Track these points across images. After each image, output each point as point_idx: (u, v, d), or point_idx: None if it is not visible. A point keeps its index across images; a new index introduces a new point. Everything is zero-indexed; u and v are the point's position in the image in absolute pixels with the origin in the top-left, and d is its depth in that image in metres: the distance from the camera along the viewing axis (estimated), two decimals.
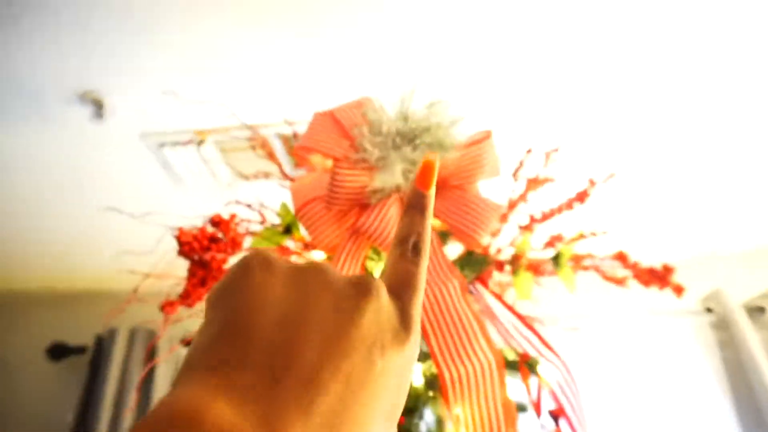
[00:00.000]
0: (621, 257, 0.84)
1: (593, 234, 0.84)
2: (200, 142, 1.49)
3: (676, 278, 0.81)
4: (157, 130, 1.47)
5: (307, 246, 0.93)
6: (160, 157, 1.53)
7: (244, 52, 1.26)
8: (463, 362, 0.69)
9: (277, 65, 1.29)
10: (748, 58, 1.38)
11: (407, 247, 0.25)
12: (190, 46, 1.24)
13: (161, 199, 1.65)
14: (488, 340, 0.72)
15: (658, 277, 0.81)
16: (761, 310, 1.96)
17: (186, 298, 0.74)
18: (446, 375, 0.67)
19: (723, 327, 1.96)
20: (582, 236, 0.85)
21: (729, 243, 2.11)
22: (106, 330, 2.17)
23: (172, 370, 2.09)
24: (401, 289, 0.24)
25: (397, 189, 0.84)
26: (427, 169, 0.28)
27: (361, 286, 0.22)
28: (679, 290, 0.80)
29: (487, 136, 0.90)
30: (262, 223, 0.98)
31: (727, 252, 2.11)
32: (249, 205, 0.99)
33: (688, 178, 1.77)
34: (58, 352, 2.21)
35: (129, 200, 1.55)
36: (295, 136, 1.01)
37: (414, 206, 0.27)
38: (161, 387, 1.97)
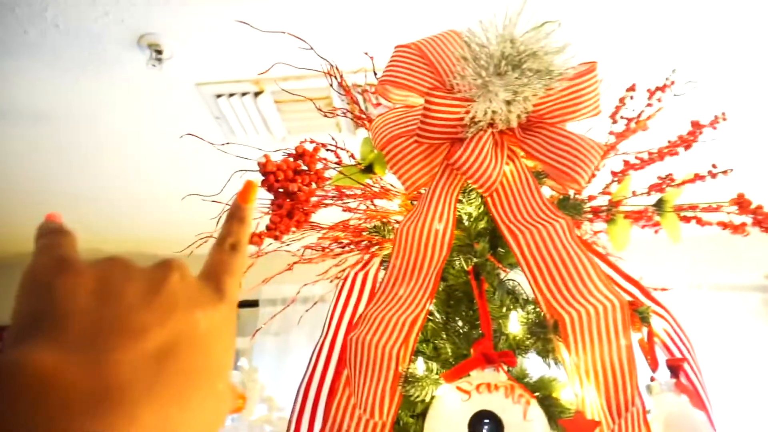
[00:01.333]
0: (741, 202, 0.76)
1: (711, 174, 0.76)
2: (258, 93, 1.43)
3: None
4: (214, 79, 1.42)
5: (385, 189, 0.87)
6: (213, 108, 1.48)
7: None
8: (580, 303, 0.62)
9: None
10: None
11: (225, 246, 0.30)
12: None
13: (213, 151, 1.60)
14: (606, 281, 0.65)
15: None
16: None
17: (273, 229, 0.68)
18: (565, 317, 0.61)
19: None
20: (697, 177, 0.77)
21: None
22: None
23: None
24: (215, 272, 0.29)
25: (492, 123, 0.78)
26: (248, 187, 0.34)
27: (163, 263, 0.26)
28: None
29: (592, 68, 0.82)
30: (339, 163, 0.93)
31: None
32: (324, 145, 0.94)
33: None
34: None
35: (180, 153, 1.49)
36: (374, 73, 0.94)
37: (233, 215, 0.33)
38: None
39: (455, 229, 0.83)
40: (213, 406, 0.24)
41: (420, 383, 0.60)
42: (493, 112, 0.76)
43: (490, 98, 0.73)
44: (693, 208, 0.81)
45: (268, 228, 0.70)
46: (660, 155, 0.89)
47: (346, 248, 0.84)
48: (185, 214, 0.90)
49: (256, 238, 0.69)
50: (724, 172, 0.77)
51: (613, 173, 0.92)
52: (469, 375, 0.58)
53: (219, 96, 1.44)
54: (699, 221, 0.86)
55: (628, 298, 0.80)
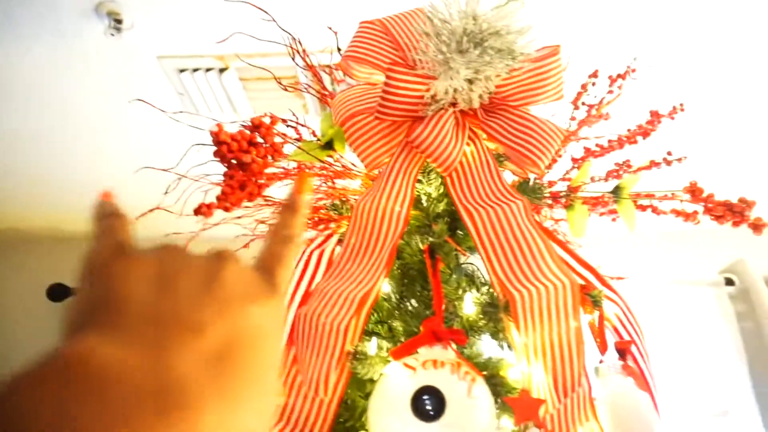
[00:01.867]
0: (693, 190, 0.77)
1: (666, 162, 0.76)
2: (223, 69, 1.39)
3: (755, 212, 0.74)
4: (177, 53, 1.37)
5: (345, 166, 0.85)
6: (177, 83, 1.43)
7: None
8: (531, 282, 0.62)
9: None
10: None
11: (278, 237, 0.31)
12: None
13: (175, 126, 1.55)
14: (559, 262, 0.65)
15: (735, 211, 0.75)
16: None
17: (223, 200, 0.66)
18: (516, 296, 0.61)
19: (743, 299, 1.92)
20: (653, 164, 0.78)
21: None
22: None
23: None
24: (270, 263, 0.29)
25: (454, 102, 0.77)
26: (302, 179, 0.34)
27: (218, 254, 0.26)
28: (758, 227, 0.74)
29: (555, 51, 0.81)
30: (299, 140, 0.91)
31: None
32: (284, 120, 0.92)
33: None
34: (58, 293, 2.14)
35: (141, 128, 1.45)
36: (338, 50, 0.92)
37: (288, 206, 0.33)
38: None
39: (413, 209, 0.82)
40: (267, 402, 0.24)
41: (369, 361, 0.59)
42: (455, 90, 0.75)
43: (452, 76, 0.72)
44: (649, 196, 0.82)
45: (218, 199, 0.67)
46: (620, 143, 0.90)
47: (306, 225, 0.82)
48: (140, 188, 0.86)
49: (205, 209, 0.67)
50: (679, 159, 0.78)
51: (574, 159, 0.93)
52: (417, 352, 0.57)
53: (182, 71, 1.39)
54: (654, 209, 0.87)
55: (582, 282, 0.81)
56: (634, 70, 0.86)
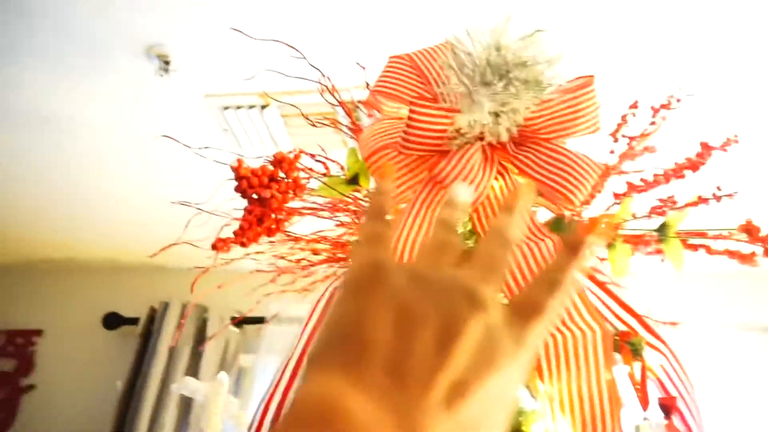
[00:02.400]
0: (750, 229, 0.70)
1: (716, 197, 0.70)
2: (264, 106, 1.43)
3: None
4: (221, 91, 1.42)
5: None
6: (221, 120, 1.48)
7: (312, 12, 1.19)
8: (558, 328, 0.57)
9: (349, 20, 1.21)
10: None
11: (548, 280, 0.26)
12: (259, 7, 1.19)
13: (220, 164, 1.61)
14: (590, 307, 0.60)
15: None
16: None
17: (240, 235, 0.66)
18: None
19: None
20: (701, 200, 0.71)
21: None
22: (160, 303, 2.17)
23: (221, 347, 2.06)
24: (526, 311, 0.25)
25: (481, 136, 0.74)
26: (595, 222, 0.29)
27: (475, 300, 0.23)
28: None
29: (589, 82, 0.78)
30: (326, 175, 0.90)
31: None
32: (312, 155, 0.92)
33: None
34: (113, 321, 2.22)
35: (189, 166, 1.50)
36: (367, 85, 0.92)
37: (570, 247, 0.28)
38: (209, 361, 1.94)
39: None
40: None
41: None
42: (481, 124, 0.72)
43: (476, 109, 0.70)
44: (700, 235, 0.75)
45: (234, 234, 0.67)
46: (666, 177, 0.84)
47: (327, 262, 0.81)
48: (177, 222, 0.88)
49: (221, 244, 0.67)
50: (729, 195, 0.71)
51: (615, 195, 0.87)
52: None
53: (226, 108, 1.44)
54: (708, 249, 0.79)
55: (623, 328, 0.74)
56: (678, 100, 0.80)
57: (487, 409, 0.21)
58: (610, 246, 0.82)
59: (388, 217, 0.29)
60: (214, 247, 0.66)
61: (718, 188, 0.71)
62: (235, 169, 0.68)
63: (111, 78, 1.36)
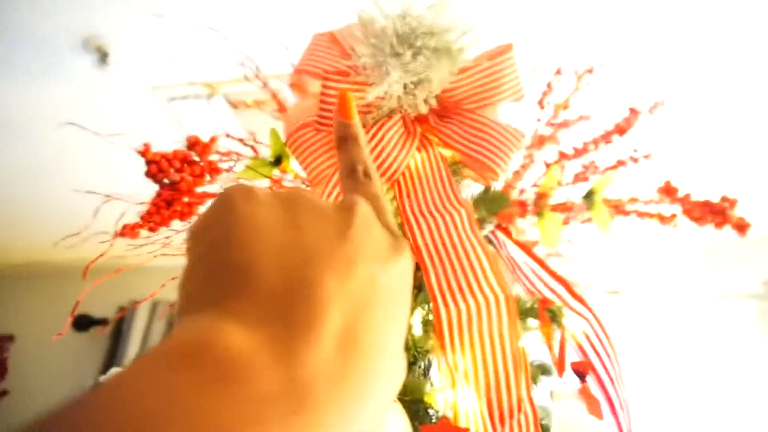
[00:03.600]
0: (668, 190, 0.69)
1: (633, 159, 0.69)
2: (210, 96, 1.41)
3: (738, 212, 0.65)
4: (166, 83, 1.40)
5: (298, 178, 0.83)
6: (170, 112, 1.46)
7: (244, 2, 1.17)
8: (465, 298, 0.56)
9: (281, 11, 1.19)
10: None
11: (358, 175, 0.26)
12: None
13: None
14: (498, 275, 0.59)
15: (716, 211, 0.66)
16: None
17: (147, 220, 0.64)
18: (442, 312, 0.55)
19: None
20: (619, 163, 0.70)
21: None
22: (129, 302, 2.15)
23: None
24: (377, 211, 0.24)
25: (399, 107, 0.73)
26: (343, 100, 0.28)
27: (347, 206, 0.22)
28: (741, 227, 0.65)
29: (506, 49, 0.76)
30: (255, 158, 0.89)
31: None
32: (241, 139, 0.90)
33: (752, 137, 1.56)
34: (83, 323, 2.20)
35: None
36: (292, 66, 0.90)
37: (344, 138, 0.27)
38: None
39: None
40: (391, 381, 0.21)
41: None
42: (396, 95, 0.71)
43: (387, 80, 0.69)
44: (618, 200, 0.74)
45: (141, 218, 0.66)
46: (595, 143, 0.83)
47: None
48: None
49: (128, 230, 0.65)
50: (646, 156, 0.70)
51: (546, 164, 0.86)
52: None
53: (173, 99, 1.42)
54: (638, 213, 0.79)
55: (550, 295, 0.74)
56: (601, 65, 0.79)
57: (373, 310, 0.20)
58: (539, 215, 0.81)
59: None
60: (121, 233, 0.64)
61: (635, 150, 0.70)
62: (143, 154, 0.67)
63: (59, 75, 1.34)
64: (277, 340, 0.17)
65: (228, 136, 0.90)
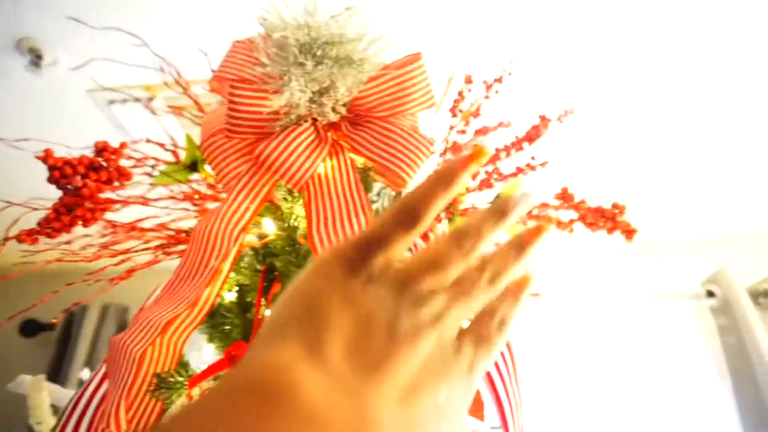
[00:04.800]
0: (564, 196, 0.72)
1: (530, 167, 0.72)
2: (150, 99, 1.40)
3: (627, 217, 0.68)
4: (104, 85, 1.38)
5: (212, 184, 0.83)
6: (109, 115, 1.45)
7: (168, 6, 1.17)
8: None
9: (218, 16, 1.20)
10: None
11: (498, 314, 0.27)
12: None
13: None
14: None
15: (607, 216, 0.69)
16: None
17: (45, 225, 0.64)
18: None
19: (725, 311, 1.81)
20: (519, 170, 0.73)
21: (733, 224, 1.95)
22: (78, 306, 2.11)
23: None
24: (479, 343, 0.26)
25: (310, 115, 0.74)
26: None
27: (438, 317, 0.24)
28: (629, 232, 0.68)
29: (415, 58, 0.78)
30: (175, 163, 0.89)
31: (730, 234, 1.95)
32: (161, 144, 0.90)
33: (689, 146, 1.62)
34: (30, 328, 2.16)
35: None
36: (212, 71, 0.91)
37: (519, 285, 0.28)
38: None
39: (282, 230, 0.79)
40: None
41: (174, 389, 0.56)
42: (303, 104, 0.72)
43: (290, 90, 0.70)
44: (541, 206, 0.77)
45: (39, 224, 0.66)
46: (506, 150, 0.86)
47: (159, 250, 0.80)
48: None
49: (25, 236, 0.65)
50: (543, 164, 0.73)
51: None
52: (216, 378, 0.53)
53: (112, 102, 1.41)
54: (547, 219, 0.82)
55: None
56: (510, 74, 0.82)
57: (435, 415, 0.22)
58: (450, 220, 0.84)
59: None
60: (19, 239, 0.64)
61: (533, 158, 0.73)
62: (44, 159, 0.67)
63: None
64: (352, 397, 0.19)
65: (148, 141, 0.90)
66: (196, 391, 0.52)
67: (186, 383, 0.56)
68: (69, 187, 0.68)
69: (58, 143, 0.96)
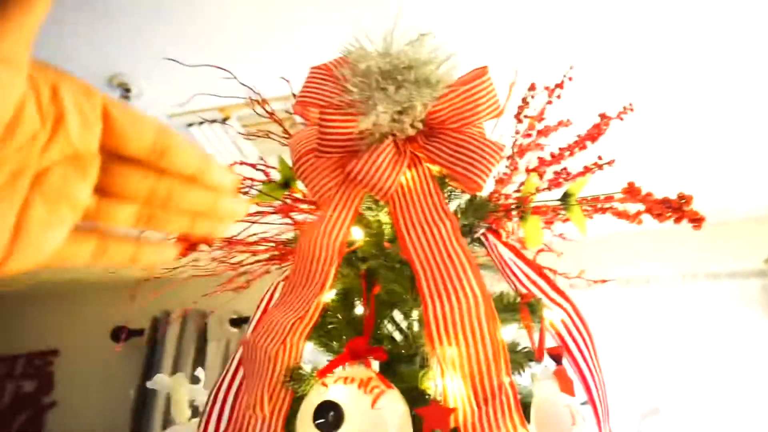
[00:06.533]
0: (631, 190, 0.78)
1: (597, 166, 0.78)
2: (224, 120, 1.52)
3: (693, 207, 0.73)
4: (183, 110, 1.51)
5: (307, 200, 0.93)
6: (188, 137, 1.58)
7: (248, 29, 1.28)
8: (449, 299, 0.66)
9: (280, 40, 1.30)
10: None
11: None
12: (210, 34, 1.28)
13: None
14: (477, 277, 0.69)
15: (673, 207, 0.75)
16: None
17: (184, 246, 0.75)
18: (430, 310, 0.65)
19: None
20: (587, 169, 0.79)
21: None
22: (161, 312, 2.29)
23: (222, 347, 2.18)
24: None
25: (390, 132, 0.82)
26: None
27: None
28: (697, 220, 0.73)
29: (482, 73, 0.85)
30: (266, 182, 1.00)
31: None
32: (253, 165, 1.01)
33: (742, 124, 1.62)
34: (120, 334, 2.35)
35: None
36: (293, 96, 1.00)
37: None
38: (212, 362, 2.06)
39: (368, 236, 0.88)
40: None
41: (305, 380, 0.66)
42: (384, 124, 0.81)
43: (375, 112, 0.79)
44: (594, 200, 0.83)
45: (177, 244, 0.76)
46: (570, 150, 0.92)
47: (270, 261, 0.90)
48: None
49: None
50: (609, 162, 0.79)
51: (527, 170, 0.95)
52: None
53: (190, 125, 1.54)
54: (613, 211, 0.87)
55: (534, 289, 0.83)
56: (570, 79, 0.88)
57: None
58: (522, 218, 0.91)
59: None
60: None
61: (599, 158, 0.79)
62: None
63: None
64: None
65: (242, 163, 1.01)
66: (328, 380, 0.61)
67: (314, 375, 0.66)
68: None
69: None
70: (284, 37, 1.30)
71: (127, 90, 1.40)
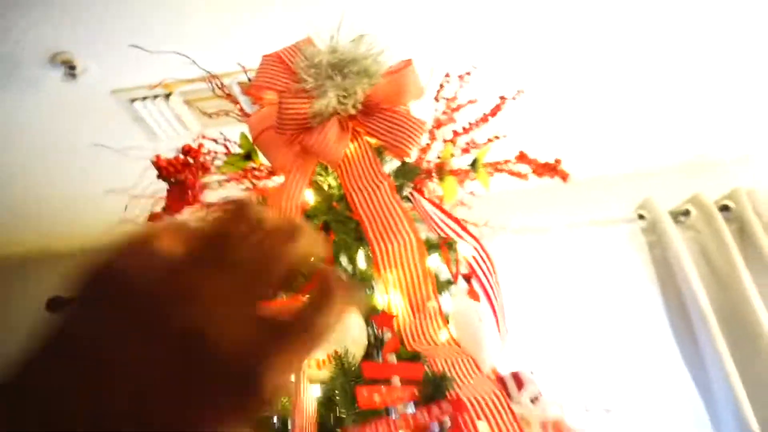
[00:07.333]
0: (522, 157, 1.04)
1: (496, 137, 1.03)
2: (168, 95, 1.63)
3: (564, 168, 1.01)
4: (126, 86, 1.60)
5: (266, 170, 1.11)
6: (131, 112, 1.67)
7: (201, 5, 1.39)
8: (390, 240, 0.89)
9: (231, 17, 1.43)
10: None
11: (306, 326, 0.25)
12: (153, 7, 1.37)
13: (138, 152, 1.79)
14: (411, 224, 0.92)
15: (550, 168, 1.02)
16: (686, 213, 2.21)
17: (169, 209, 0.92)
18: (377, 249, 0.88)
19: (652, 230, 2.21)
20: (491, 141, 1.04)
21: (657, 157, 2.34)
22: None
23: None
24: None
25: (335, 112, 1.02)
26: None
27: None
28: (564, 176, 1.01)
29: (408, 64, 1.07)
30: (227, 154, 1.16)
31: (656, 166, 2.34)
32: (215, 140, 1.17)
33: (623, 94, 1.96)
34: (56, 304, 2.38)
35: (107, 158, 1.68)
36: (249, 80, 1.17)
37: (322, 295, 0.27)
38: None
39: (318, 196, 1.09)
40: None
41: None
42: (331, 106, 1.00)
43: (324, 96, 0.98)
44: (493, 165, 1.08)
45: (164, 209, 0.92)
46: (477, 124, 1.16)
47: None
48: (110, 208, 1.10)
49: (155, 219, 0.92)
50: (497, 137, 1.04)
51: (445, 141, 1.19)
52: None
53: (134, 100, 1.63)
54: (509, 172, 1.14)
55: (451, 234, 1.08)
56: (475, 68, 1.12)
57: None
58: (441, 179, 1.15)
59: None
60: (150, 220, 0.92)
61: (496, 137, 1.04)
62: (155, 163, 0.93)
63: (23, 90, 1.51)
64: None
65: (204, 137, 1.16)
66: None
67: None
68: (172, 180, 0.95)
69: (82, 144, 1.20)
70: (231, 17, 1.44)
71: (72, 67, 1.47)
